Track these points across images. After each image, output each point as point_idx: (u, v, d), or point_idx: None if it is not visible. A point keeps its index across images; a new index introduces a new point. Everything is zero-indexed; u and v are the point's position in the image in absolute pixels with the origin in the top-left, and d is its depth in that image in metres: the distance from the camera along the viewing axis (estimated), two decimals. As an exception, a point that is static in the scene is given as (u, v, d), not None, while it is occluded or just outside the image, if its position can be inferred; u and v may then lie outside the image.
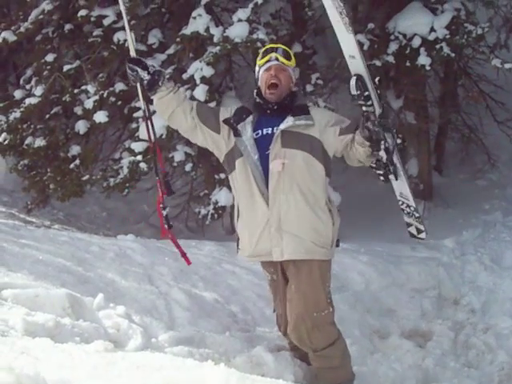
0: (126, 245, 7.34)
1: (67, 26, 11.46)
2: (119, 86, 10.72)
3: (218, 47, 9.51)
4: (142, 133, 9.83)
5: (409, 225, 4.96)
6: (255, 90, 4.70)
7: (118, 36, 10.45)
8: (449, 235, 9.60)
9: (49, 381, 2.75)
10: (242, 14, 9.59)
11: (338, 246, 4.67)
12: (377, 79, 4.30)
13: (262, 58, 4.63)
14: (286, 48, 4.72)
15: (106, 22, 10.71)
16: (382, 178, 4.45)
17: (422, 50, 10.17)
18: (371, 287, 7.36)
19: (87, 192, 12.07)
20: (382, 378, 5.39)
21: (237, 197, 4.67)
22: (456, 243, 9.51)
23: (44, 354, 3.23)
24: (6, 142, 11.30)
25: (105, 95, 10.61)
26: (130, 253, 6.97)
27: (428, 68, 10.24)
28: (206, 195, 11.07)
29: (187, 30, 9.89)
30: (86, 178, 11.00)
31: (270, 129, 4.51)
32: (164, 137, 9.67)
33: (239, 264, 7.12)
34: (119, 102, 10.88)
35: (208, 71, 9.59)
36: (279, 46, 4.75)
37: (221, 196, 10.32)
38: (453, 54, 10.27)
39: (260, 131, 4.54)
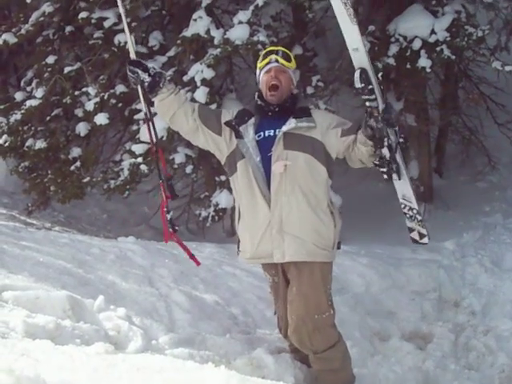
0: (127, 247, 7.34)
1: (68, 28, 11.49)
2: (120, 88, 10.73)
3: (219, 49, 9.52)
4: (143, 135, 9.85)
5: (411, 230, 4.88)
6: (256, 93, 4.71)
7: (119, 38, 10.47)
8: (449, 237, 9.59)
9: (49, 383, 2.76)
10: (243, 16, 9.60)
11: (339, 248, 4.67)
12: (380, 74, 4.31)
13: (263, 60, 4.64)
14: (286, 50, 4.72)
15: (106, 24, 10.72)
16: (385, 175, 4.43)
17: (423, 52, 10.17)
18: (371, 289, 7.35)
19: (88, 194, 12.08)
20: (383, 381, 5.39)
21: (238, 199, 4.66)
22: (456, 245, 9.51)
23: (44, 355, 3.23)
24: (7, 143, 11.33)
25: (105, 97, 10.62)
26: (130, 255, 6.97)
27: (428, 70, 10.24)
28: (206, 197, 11.09)
29: (188, 32, 9.90)
30: (86, 180, 11.02)
31: (272, 131, 4.51)
32: (164, 139, 9.67)
33: (240, 266, 7.12)
34: (120, 104, 10.90)
35: (208, 73, 9.60)
36: (279, 48, 4.76)
37: (221, 198, 10.33)
38: (453, 57, 10.27)
39: (262, 133, 4.54)
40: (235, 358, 4.76)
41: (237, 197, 4.69)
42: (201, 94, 9.56)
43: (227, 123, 4.61)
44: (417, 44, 10.23)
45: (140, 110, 9.72)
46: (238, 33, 9.45)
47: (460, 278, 8.10)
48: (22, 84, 12.70)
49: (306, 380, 4.83)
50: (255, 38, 9.37)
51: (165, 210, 4.93)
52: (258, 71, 4.70)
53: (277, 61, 4.56)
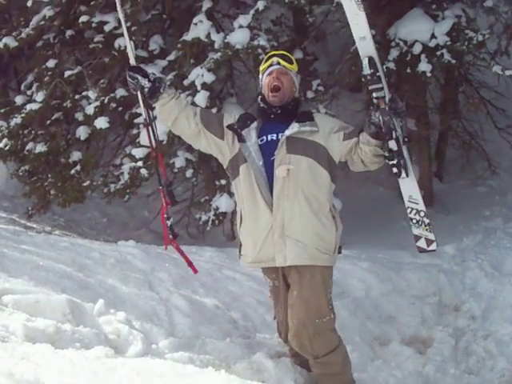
0: (127, 251, 7.34)
1: (68, 32, 11.50)
2: (120, 92, 10.74)
3: (219, 53, 9.53)
4: (143, 139, 9.85)
5: (418, 238, 4.75)
6: (259, 96, 4.71)
7: (119, 42, 10.47)
8: (449, 242, 9.59)
9: (49, 387, 2.76)
10: (243, 20, 9.61)
11: (340, 252, 4.67)
12: (384, 66, 4.33)
13: (264, 63, 4.65)
14: (288, 54, 4.74)
15: (107, 28, 10.73)
16: (394, 169, 4.40)
17: (423, 56, 10.18)
18: (371, 294, 7.35)
19: (88, 198, 12.09)
20: (383, 385, 5.39)
21: (240, 203, 4.66)
22: (456, 250, 9.51)
23: (44, 359, 3.23)
24: (7, 147, 11.33)
25: (106, 101, 10.63)
26: (130, 259, 6.97)
27: (429, 74, 10.25)
28: (206, 201, 11.08)
29: (188, 36, 9.91)
30: (86, 183, 11.02)
31: (275, 135, 4.51)
32: (165, 143, 9.68)
33: (240, 270, 7.12)
34: (120, 108, 10.91)
35: (209, 77, 9.61)
36: (281, 52, 4.78)
37: (221, 202, 10.33)
38: (453, 61, 10.28)
39: (265, 137, 4.54)
40: (235, 362, 4.76)
41: (239, 201, 4.68)
42: (201, 98, 9.56)
43: (229, 127, 4.61)
44: (417, 48, 10.25)
45: (140, 114, 9.71)
46: (239, 37, 9.46)
47: (460, 283, 8.10)
48: (22, 88, 12.72)
49: (306, 384, 4.83)
50: (255, 42, 9.38)
51: (165, 216, 4.92)
52: (260, 75, 4.70)
53: (278, 63, 4.57)
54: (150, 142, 4.98)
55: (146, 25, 11.40)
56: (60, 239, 7.97)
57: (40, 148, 11.32)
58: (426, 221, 4.67)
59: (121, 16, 5.24)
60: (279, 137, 4.47)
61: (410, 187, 4.63)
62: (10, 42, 11.34)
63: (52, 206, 12.34)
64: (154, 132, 4.98)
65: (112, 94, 10.76)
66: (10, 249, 6.15)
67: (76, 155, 11.36)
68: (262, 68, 4.68)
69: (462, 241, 10.03)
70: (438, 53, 10.15)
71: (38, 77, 11.78)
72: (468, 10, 10.77)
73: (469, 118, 13.44)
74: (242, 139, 4.53)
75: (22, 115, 11.11)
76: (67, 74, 11.14)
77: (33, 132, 11.52)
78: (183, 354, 4.50)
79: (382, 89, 4.32)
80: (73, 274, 5.78)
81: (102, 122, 10.48)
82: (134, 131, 10.72)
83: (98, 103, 10.62)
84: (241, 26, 9.58)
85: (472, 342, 6.58)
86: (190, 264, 5.12)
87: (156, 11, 11.25)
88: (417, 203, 4.64)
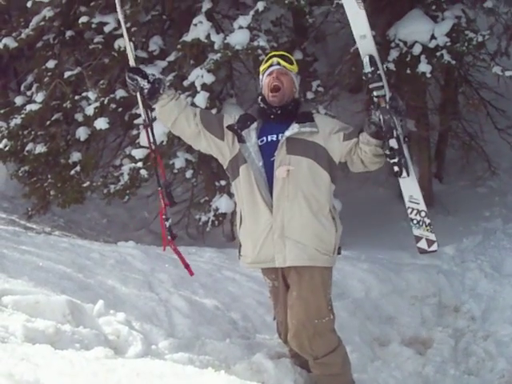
0: (127, 251, 7.33)
1: (68, 33, 11.48)
2: (120, 93, 10.73)
3: (219, 54, 9.53)
4: (143, 139, 9.84)
5: (418, 239, 4.73)
6: (259, 97, 4.71)
7: (119, 43, 10.45)
8: (449, 242, 9.59)
9: (49, 387, 2.76)
10: (243, 21, 9.61)
11: (339, 253, 4.67)
12: (384, 66, 4.34)
13: (265, 64, 4.66)
14: (288, 54, 4.74)
15: (106, 28, 10.72)
16: (396, 168, 4.40)
17: (423, 57, 10.18)
18: (371, 294, 7.35)
19: (88, 198, 12.08)
20: (383, 386, 5.39)
21: (240, 203, 4.66)
22: (456, 250, 9.51)
23: (44, 360, 3.23)
24: (7, 148, 11.32)
25: (105, 102, 10.62)
26: (130, 259, 6.97)
27: (428, 75, 10.25)
28: (206, 202, 11.07)
29: (188, 37, 9.91)
30: (86, 184, 11.01)
31: (275, 136, 4.51)
32: (164, 143, 9.68)
33: (239, 271, 7.12)
34: (120, 109, 10.90)
35: (209, 78, 9.61)
36: (281, 52, 4.78)
37: (221, 203, 10.33)
38: (453, 62, 10.28)
39: (265, 138, 4.54)
40: (235, 362, 4.76)
41: (239, 201, 4.68)
42: (201, 98, 9.56)
43: (229, 127, 4.60)
44: (417, 49, 10.24)
45: (140, 115, 9.70)
46: (239, 38, 9.45)
47: (460, 284, 8.10)
48: (22, 88, 12.71)
49: (305, 385, 4.83)
50: (255, 43, 9.37)
51: (163, 217, 4.92)
52: (260, 76, 4.71)
53: (279, 63, 4.58)
54: (149, 143, 4.98)
55: (146, 26, 11.40)
56: (60, 240, 7.97)
57: (40, 149, 11.31)
58: (427, 221, 4.65)
59: (120, 17, 5.25)
60: (279, 137, 4.47)
61: (410, 187, 4.62)
62: (10, 42, 11.33)
63: (52, 207, 12.34)
64: (153, 134, 4.99)
65: (112, 95, 10.75)
66: (9, 249, 6.14)
67: (76, 156, 11.34)
68: (262, 68, 4.68)
69: (462, 242, 10.03)
70: (438, 53, 10.15)
71: (38, 77, 11.77)
72: (468, 10, 10.77)
73: (469, 118, 13.44)
74: (241, 140, 4.53)
75: (22, 116, 11.10)
76: (67, 74, 11.13)
77: (32, 133, 11.51)
78: (183, 355, 4.50)
79: (382, 87, 4.33)
80: (72, 275, 5.78)
81: (101, 123, 10.47)
82: (134, 132, 10.72)
83: (97, 104, 10.61)
84: (240, 27, 9.57)
85: (472, 342, 6.58)
86: (187, 266, 5.12)
87: (156, 12, 11.25)
88: (417, 203, 4.62)
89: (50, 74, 11.28)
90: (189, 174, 10.60)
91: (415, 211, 4.63)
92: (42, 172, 11.76)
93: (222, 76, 10.85)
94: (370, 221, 11.73)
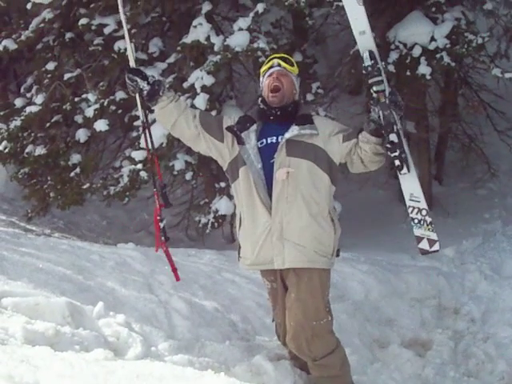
0: (126, 253, 7.33)
1: (68, 35, 11.49)
2: (120, 95, 10.73)
3: (219, 56, 9.53)
4: (143, 141, 9.85)
5: (420, 239, 4.69)
6: (259, 98, 4.72)
7: (119, 45, 10.47)
8: (449, 244, 9.60)
9: (48, 389, 2.76)
10: (243, 22, 9.62)
11: (338, 255, 4.66)
12: (384, 66, 4.35)
13: (265, 65, 4.66)
14: (289, 56, 4.75)
15: (106, 30, 10.73)
16: (397, 162, 4.40)
17: (423, 59, 10.20)
18: (371, 296, 7.35)
19: (87, 200, 12.08)
20: (382, 388, 5.39)
21: (239, 205, 4.66)
22: (456, 252, 9.53)
23: (44, 362, 3.23)
24: (7, 150, 11.32)
25: (105, 104, 10.62)
26: (129, 261, 6.96)
27: (428, 77, 10.26)
28: (206, 204, 11.08)
29: (188, 39, 9.92)
30: (86, 186, 11.01)
31: (275, 138, 4.51)
32: (164, 145, 9.69)
33: (239, 273, 7.12)
34: (120, 111, 10.90)
35: (208, 80, 9.61)
36: (282, 55, 4.79)
37: (221, 205, 10.33)
38: (453, 64, 10.29)
39: (264, 140, 4.53)
40: (235, 364, 4.75)
41: (238, 203, 4.68)
42: (201, 100, 9.56)
43: (229, 129, 4.60)
44: (417, 51, 10.26)
45: (139, 117, 9.72)
46: (238, 39, 9.46)
47: (459, 285, 8.10)
48: (21, 90, 12.73)
49: (305, 387, 4.83)
50: (255, 45, 9.38)
51: (158, 218, 4.92)
52: (261, 77, 4.71)
53: (279, 65, 4.58)
54: (147, 144, 4.98)
55: (146, 27, 11.40)
56: (59, 242, 7.96)
57: (39, 151, 11.31)
58: (428, 219, 4.62)
59: (122, 17, 5.24)
60: (279, 139, 4.47)
61: (411, 184, 4.61)
62: (10, 44, 11.35)
63: (51, 209, 12.34)
64: (150, 135, 4.99)
65: (112, 97, 10.76)
66: (9, 251, 6.14)
67: (75, 158, 11.34)
68: (262, 70, 4.69)
69: (462, 244, 10.04)
70: (438, 55, 10.17)
71: (38, 79, 11.79)
72: (468, 12, 10.79)
73: (468, 120, 13.46)
74: (241, 142, 4.52)
75: (22, 118, 11.10)
76: (67, 76, 11.14)
77: (32, 134, 11.51)
78: (183, 357, 4.49)
79: (382, 82, 4.34)
80: (72, 277, 5.77)
81: (101, 125, 10.48)
82: (134, 134, 10.72)
83: (97, 106, 10.62)
84: (240, 29, 9.58)
85: (471, 344, 6.58)
86: (175, 271, 5.11)
87: (156, 14, 11.24)
88: (418, 201, 4.60)
89: (49, 75, 11.29)
90: (188, 175, 10.61)
91: (416, 210, 4.61)
92: (41, 174, 11.76)
93: (222, 78, 10.85)
94: (370, 222, 11.74)
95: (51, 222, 12.86)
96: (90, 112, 10.64)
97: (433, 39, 10.23)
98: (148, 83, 4.59)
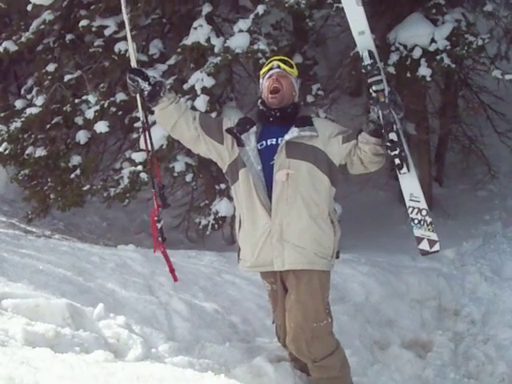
0: (127, 255, 7.33)
1: (68, 36, 11.49)
2: (120, 96, 10.73)
3: (219, 58, 9.53)
4: (143, 143, 9.84)
5: (420, 240, 4.66)
6: (259, 100, 4.72)
7: (119, 46, 10.46)
8: (449, 246, 9.59)
9: (49, 391, 2.76)
10: (243, 24, 9.61)
11: (337, 257, 4.66)
12: (384, 67, 4.35)
13: (265, 67, 4.67)
14: (288, 59, 4.76)
15: (107, 32, 10.72)
16: (397, 161, 4.40)
17: (423, 60, 10.19)
18: (371, 298, 7.34)
19: (88, 202, 12.08)
20: (383, 389, 5.39)
21: (239, 207, 4.66)
22: (456, 254, 9.52)
23: (44, 364, 3.23)
24: (7, 151, 11.31)
25: (105, 105, 10.62)
26: (130, 263, 6.96)
27: (428, 79, 10.26)
28: (206, 205, 11.06)
29: (188, 41, 9.92)
30: (86, 187, 11.00)
31: (274, 139, 4.51)
32: (164, 147, 9.68)
33: (239, 274, 7.11)
34: (120, 112, 10.89)
35: (209, 82, 9.61)
36: (281, 57, 4.80)
37: (221, 206, 10.32)
38: (453, 65, 10.29)
39: (264, 142, 4.54)
40: (235, 366, 4.75)
41: (238, 205, 4.68)
42: (201, 102, 9.56)
43: (228, 131, 4.60)
44: (417, 53, 10.25)
45: (140, 118, 9.71)
46: (239, 41, 9.46)
47: (460, 287, 8.11)
48: (22, 92, 12.72)
49: (305, 389, 4.82)
50: (255, 47, 9.38)
51: (155, 218, 4.92)
52: (260, 79, 4.71)
53: (279, 66, 4.59)
54: (146, 145, 4.99)
55: (146, 29, 11.40)
56: (60, 243, 7.96)
57: (40, 152, 11.30)
58: (428, 220, 4.61)
59: (125, 17, 5.24)
60: (279, 141, 4.47)
61: (410, 184, 4.60)
62: (10, 46, 11.34)
63: (52, 210, 12.33)
64: (150, 136, 4.99)
65: (112, 98, 10.75)
66: (9, 253, 6.14)
67: (76, 159, 11.33)
68: (262, 72, 4.69)
69: (462, 245, 10.05)
70: (438, 57, 10.16)
71: (38, 81, 11.79)
72: (468, 14, 10.79)
73: (468, 122, 13.45)
74: (241, 143, 4.53)
75: (22, 119, 11.10)
76: (67, 78, 11.14)
77: (32, 136, 11.50)
78: (183, 358, 4.49)
79: (381, 81, 4.34)
80: (72, 278, 5.77)
81: (101, 126, 10.47)
82: (134, 135, 10.71)
83: (97, 107, 10.61)
84: (241, 31, 9.57)
85: (472, 346, 6.59)
86: (172, 271, 5.12)
87: (156, 15, 11.24)
88: (418, 201, 4.59)
89: (50, 77, 11.28)
90: (189, 177, 10.60)
91: (416, 210, 4.60)
92: (41, 175, 11.75)
93: (222, 79, 10.85)
94: (370, 224, 11.74)
95: (51, 223, 12.85)
96: (90, 113, 10.63)
97: (433, 41, 10.23)
98: (149, 84, 4.59)
